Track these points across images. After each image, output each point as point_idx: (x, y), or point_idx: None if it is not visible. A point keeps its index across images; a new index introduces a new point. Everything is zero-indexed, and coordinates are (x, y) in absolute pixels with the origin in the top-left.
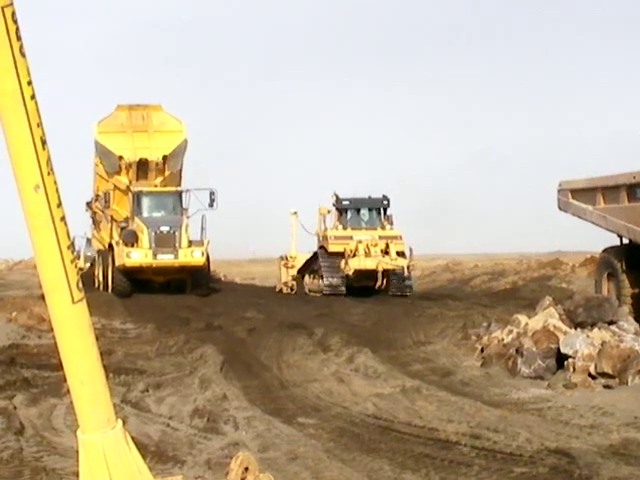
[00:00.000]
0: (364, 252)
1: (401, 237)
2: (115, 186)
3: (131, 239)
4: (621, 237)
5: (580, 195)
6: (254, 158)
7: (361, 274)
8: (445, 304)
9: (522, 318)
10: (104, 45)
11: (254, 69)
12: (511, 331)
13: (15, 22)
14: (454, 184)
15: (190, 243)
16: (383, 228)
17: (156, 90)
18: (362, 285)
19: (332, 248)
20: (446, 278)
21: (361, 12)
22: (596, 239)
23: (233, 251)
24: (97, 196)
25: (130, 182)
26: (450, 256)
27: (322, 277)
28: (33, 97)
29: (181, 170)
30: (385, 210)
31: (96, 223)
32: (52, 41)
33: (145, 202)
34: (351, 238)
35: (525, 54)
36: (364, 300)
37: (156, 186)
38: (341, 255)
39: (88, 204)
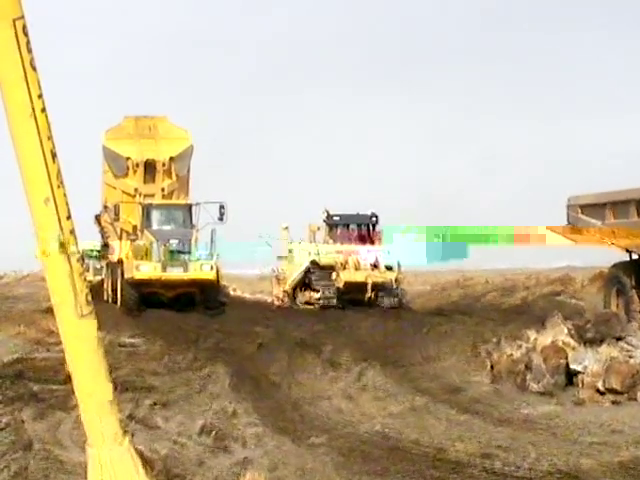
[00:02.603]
0: (354, 266)
1: (389, 252)
2: (123, 192)
3: (141, 252)
4: (630, 252)
5: (589, 210)
6: (249, 172)
7: (351, 287)
8: (455, 320)
9: (531, 334)
10: (111, 59)
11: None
12: (520, 347)
13: (26, 35)
14: (462, 198)
15: (200, 257)
16: (372, 243)
17: (156, 105)
18: (352, 297)
19: (324, 262)
20: (457, 294)
21: (355, 19)
22: (605, 254)
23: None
24: (106, 207)
25: (136, 189)
26: (461, 271)
27: (314, 290)
28: (44, 110)
29: (189, 178)
30: (374, 226)
31: (105, 236)
32: (60, 56)
33: (155, 215)
34: (341, 253)
35: (523, 59)
36: (372, 314)
37: (163, 189)
38: (332, 268)
39: (97, 217)
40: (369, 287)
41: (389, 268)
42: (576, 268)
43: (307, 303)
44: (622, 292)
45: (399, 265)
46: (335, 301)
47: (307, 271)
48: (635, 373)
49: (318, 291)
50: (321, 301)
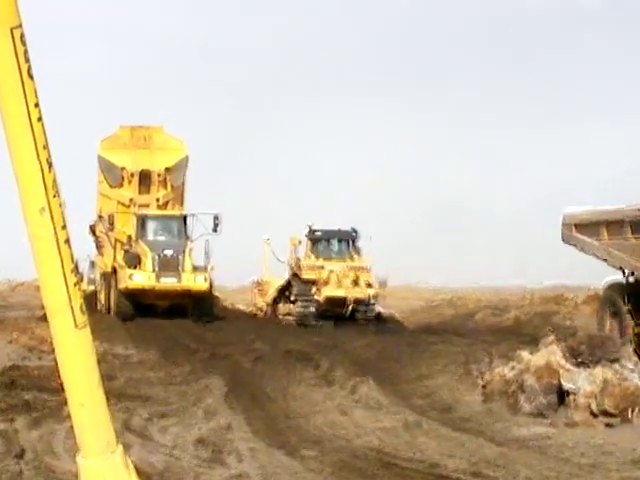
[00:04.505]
0: (336, 282)
1: (369, 268)
2: (118, 202)
3: (134, 262)
4: (624, 271)
5: (584, 228)
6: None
7: (332, 301)
8: (448, 339)
9: (524, 354)
10: (108, 67)
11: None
12: (513, 367)
13: (24, 44)
14: (454, 215)
15: (194, 268)
16: (352, 259)
17: (151, 113)
18: (332, 312)
19: (306, 276)
20: (449, 312)
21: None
22: (599, 273)
23: (238, 278)
24: (100, 217)
25: (132, 199)
26: (454, 290)
27: (295, 303)
28: (40, 119)
29: (184, 188)
30: (354, 242)
31: (99, 246)
32: (55, 64)
33: (149, 225)
34: (323, 267)
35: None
36: (368, 332)
37: (158, 200)
38: (313, 283)
39: (91, 227)
40: (349, 302)
41: (368, 284)
42: (570, 287)
43: (287, 315)
44: (616, 314)
45: (383, 281)
46: (315, 315)
47: (288, 284)
48: (629, 396)
49: (297, 305)
50: (299, 315)
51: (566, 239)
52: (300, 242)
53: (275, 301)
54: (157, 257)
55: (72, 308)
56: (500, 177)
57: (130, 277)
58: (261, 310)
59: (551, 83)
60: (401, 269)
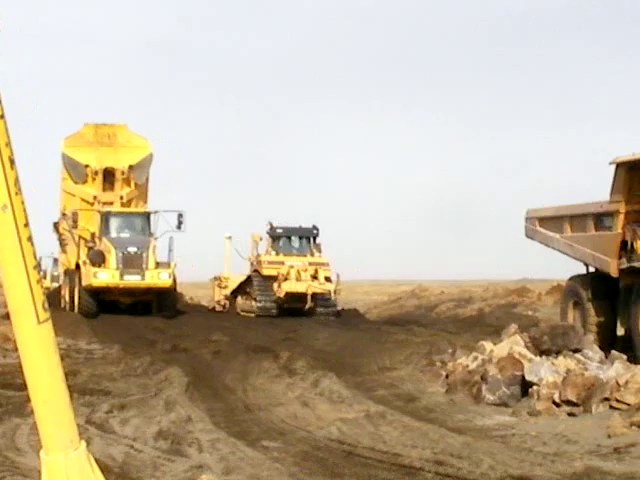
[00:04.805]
0: (295, 277)
1: (328, 264)
2: (82, 199)
3: (98, 259)
4: (587, 265)
5: (547, 223)
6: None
7: (292, 297)
8: (411, 330)
9: (487, 345)
10: (74, 66)
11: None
12: (476, 358)
13: None
14: (422, 211)
15: (157, 265)
16: (312, 255)
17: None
18: (292, 307)
19: (266, 272)
20: (412, 304)
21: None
22: (562, 267)
23: (201, 273)
24: (64, 215)
25: (95, 197)
26: (416, 282)
27: (255, 298)
28: (2, 117)
29: (148, 186)
30: (315, 238)
31: (63, 243)
32: (19, 62)
33: (113, 222)
34: (283, 263)
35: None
36: (330, 325)
37: (122, 197)
38: (274, 279)
39: (55, 224)
40: (309, 298)
41: (328, 279)
42: (533, 280)
43: (247, 310)
44: (579, 305)
45: (338, 276)
46: (275, 310)
47: (248, 279)
48: (591, 385)
49: (258, 300)
50: (259, 310)
51: (529, 234)
52: (261, 239)
53: (235, 296)
54: (121, 255)
55: (35, 305)
56: (493, 176)
57: (95, 275)
58: (219, 304)
59: (557, 84)
60: (369, 265)
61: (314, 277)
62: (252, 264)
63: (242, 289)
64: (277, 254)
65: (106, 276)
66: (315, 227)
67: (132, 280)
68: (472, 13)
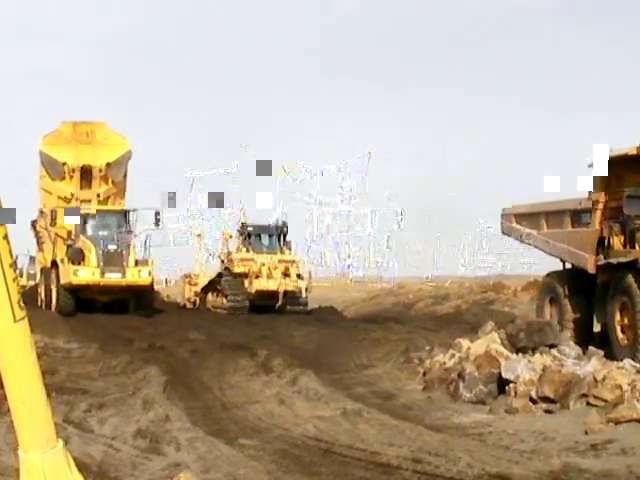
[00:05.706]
0: (267, 274)
1: (298, 261)
2: (59, 197)
3: (78, 257)
4: (564, 262)
5: (524, 220)
6: None
7: (263, 294)
8: (388, 328)
9: (464, 342)
10: (51, 63)
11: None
12: (453, 355)
13: None
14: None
15: (137, 262)
16: (282, 252)
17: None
18: (263, 304)
19: (237, 269)
20: (390, 301)
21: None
22: (538, 263)
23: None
24: (42, 212)
25: (73, 195)
26: (394, 279)
27: (226, 296)
28: None
29: (125, 184)
30: (285, 236)
31: (40, 241)
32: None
33: (90, 221)
34: (254, 260)
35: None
36: (307, 323)
37: (99, 195)
38: (244, 276)
39: (33, 222)
40: (280, 295)
41: (299, 276)
42: (509, 276)
43: (217, 307)
44: (555, 301)
45: (310, 274)
46: (246, 307)
47: (219, 276)
48: (568, 382)
49: (228, 297)
50: (230, 307)
51: (506, 231)
52: (232, 236)
53: (205, 293)
54: (101, 252)
55: (11, 303)
56: (479, 176)
57: (75, 273)
58: (189, 301)
59: (550, 78)
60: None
61: (285, 275)
62: (223, 261)
63: (212, 286)
64: (247, 251)
65: (86, 274)
66: (285, 224)
67: (113, 278)
68: (451, 12)
